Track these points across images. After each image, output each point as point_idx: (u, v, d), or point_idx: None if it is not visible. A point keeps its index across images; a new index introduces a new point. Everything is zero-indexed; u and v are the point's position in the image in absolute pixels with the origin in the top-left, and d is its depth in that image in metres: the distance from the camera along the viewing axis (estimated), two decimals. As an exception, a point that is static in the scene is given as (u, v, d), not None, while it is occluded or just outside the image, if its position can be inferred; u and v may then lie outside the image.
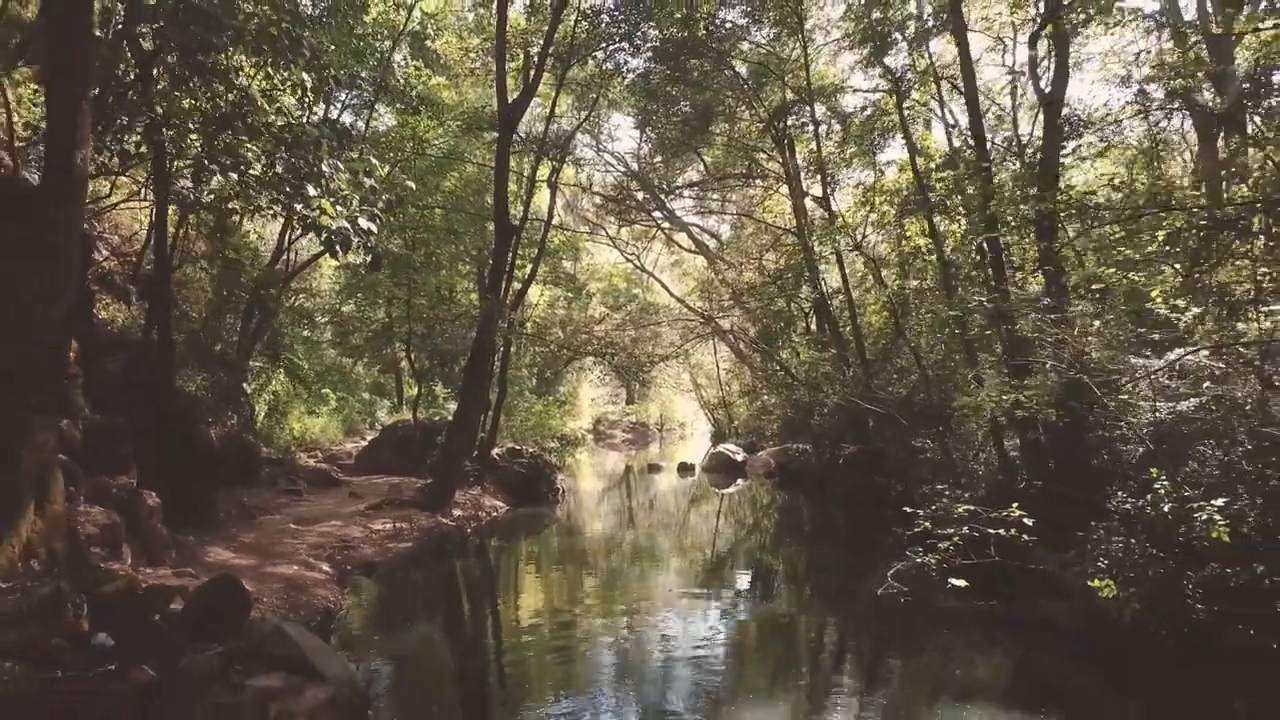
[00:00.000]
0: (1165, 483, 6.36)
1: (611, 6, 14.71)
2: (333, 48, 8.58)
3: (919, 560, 6.30)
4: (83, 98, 4.82)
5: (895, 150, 18.52)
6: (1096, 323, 7.11)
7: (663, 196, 25.84)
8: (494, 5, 13.79)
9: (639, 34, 14.77)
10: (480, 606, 9.44)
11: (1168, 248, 6.77)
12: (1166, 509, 6.20)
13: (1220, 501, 5.85)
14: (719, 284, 26.10)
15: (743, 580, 10.55)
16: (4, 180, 6.70)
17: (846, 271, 15.02)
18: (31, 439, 4.36)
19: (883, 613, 7.58)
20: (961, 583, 5.85)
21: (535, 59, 13.88)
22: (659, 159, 23.46)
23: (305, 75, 6.90)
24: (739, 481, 21.36)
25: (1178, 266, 7.48)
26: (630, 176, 25.15)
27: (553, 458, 18.96)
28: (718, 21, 15.78)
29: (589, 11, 14.31)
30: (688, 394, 43.23)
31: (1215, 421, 6.52)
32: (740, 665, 6.93)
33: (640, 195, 25.63)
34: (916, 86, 12.31)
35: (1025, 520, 6.01)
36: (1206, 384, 6.57)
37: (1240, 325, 6.81)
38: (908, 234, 12.09)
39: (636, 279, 32.66)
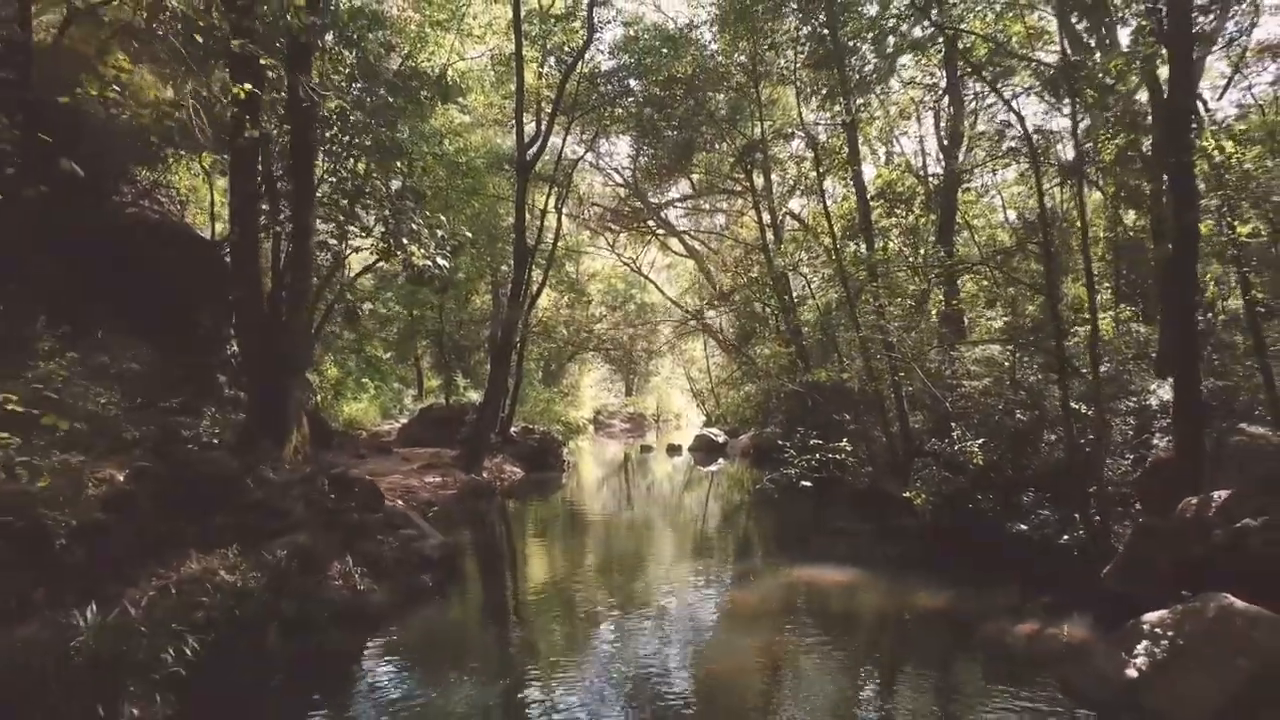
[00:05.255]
0: (957, 432, 9.95)
1: (607, 70, 18.32)
2: (406, 133, 12.05)
3: (783, 472, 9.96)
4: (312, 200, 8.41)
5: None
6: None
7: (655, 206, 29.31)
8: (513, 66, 17.30)
9: (630, 93, 18.43)
10: (508, 524, 13.19)
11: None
12: (955, 448, 9.80)
13: (980, 441, 9.45)
14: (707, 286, 29.63)
15: (689, 511, 14.26)
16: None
17: (801, 280, 18.56)
18: (293, 392, 7.96)
19: (799, 534, 11.27)
20: (809, 483, 9.52)
21: (546, 115, 17.43)
22: (653, 177, 26.98)
23: (402, 165, 10.50)
24: (720, 460, 24.87)
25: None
26: (628, 190, 28.58)
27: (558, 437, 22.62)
28: (696, 73, 19.29)
29: (588, 75, 17.86)
30: (682, 387, 46.76)
31: (990, 392, 10.11)
32: (684, 550, 10.60)
33: (637, 204, 29.09)
34: (832, 152, 15.95)
35: (846, 447, 9.64)
36: (984, 368, 10.15)
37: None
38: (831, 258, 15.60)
39: (634, 280, 36.06)
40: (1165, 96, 8.35)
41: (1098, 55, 11.94)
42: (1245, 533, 5.64)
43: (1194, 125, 8.55)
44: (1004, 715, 5.25)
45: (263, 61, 7.21)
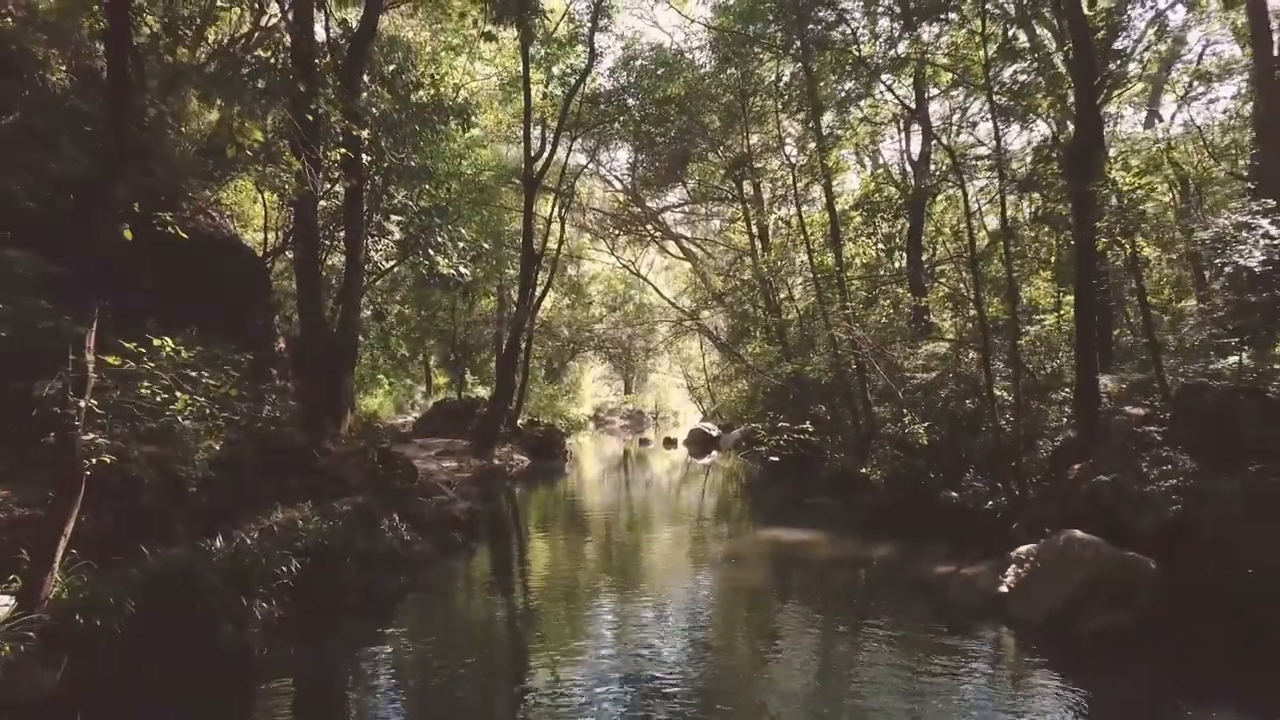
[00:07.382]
0: (908, 417, 11.58)
1: (607, 90, 19.98)
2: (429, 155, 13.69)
3: (754, 449, 11.60)
4: (363, 223, 10.05)
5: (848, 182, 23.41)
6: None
7: (652, 212, 30.90)
8: (519, 85, 18.90)
9: (628, 109, 20.10)
10: (520, 501, 14.88)
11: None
12: (906, 430, 11.43)
13: (926, 424, 11.08)
14: (702, 286, 31.24)
15: (682, 493, 15.91)
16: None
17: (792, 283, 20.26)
18: (347, 379, 9.60)
19: (775, 509, 12.96)
20: (776, 458, 11.19)
21: (551, 129, 19.07)
22: (650, 185, 28.60)
23: (431, 187, 12.11)
24: (714, 453, 26.52)
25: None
26: (627, 196, 30.16)
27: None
28: (688, 93, 20.92)
29: (590, 94, 19.50)
30: (679, 385, 48.41)
31: (936, 383, 11.73)
32: (676, 521, 12.24)
33: (635, 210, 30.68)
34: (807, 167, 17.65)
35: (809, 428, 11.29)
36: (935, 363, 11.78)
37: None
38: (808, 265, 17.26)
39: (633, 282, 37.67)
40: (1074, 129, 9.94)
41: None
42: (1100, 486, 7.26)
43: (1099, 155, 10.14)
44: (907, 621, 6.90)
45: (323, 109, 8.83)
